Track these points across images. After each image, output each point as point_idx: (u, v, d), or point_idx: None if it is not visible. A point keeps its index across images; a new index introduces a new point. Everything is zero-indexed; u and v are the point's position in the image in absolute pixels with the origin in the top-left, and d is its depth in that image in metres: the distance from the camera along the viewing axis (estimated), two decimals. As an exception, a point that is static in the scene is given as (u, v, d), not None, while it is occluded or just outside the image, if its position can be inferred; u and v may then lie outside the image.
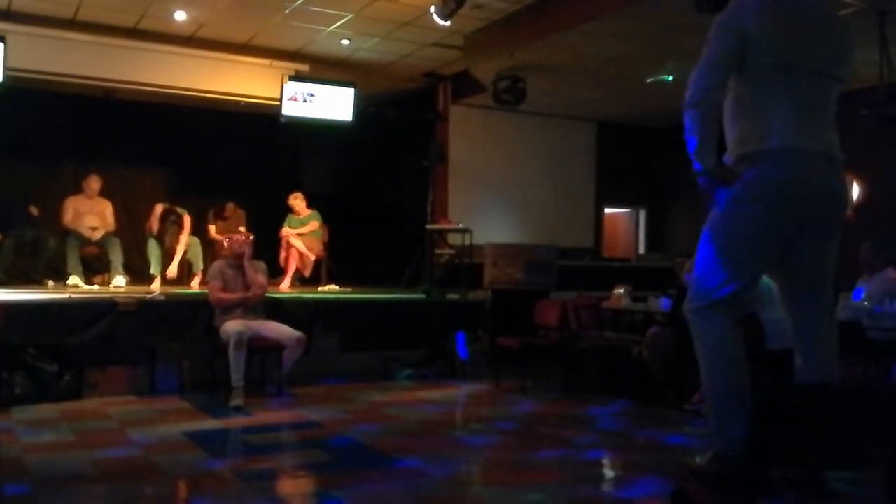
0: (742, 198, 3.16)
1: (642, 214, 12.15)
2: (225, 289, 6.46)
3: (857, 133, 7.82)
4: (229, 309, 6.39)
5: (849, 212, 8.77)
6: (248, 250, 6.65)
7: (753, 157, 3.15)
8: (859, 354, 5.18)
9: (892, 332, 5.36)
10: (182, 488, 4.19)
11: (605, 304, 7.40)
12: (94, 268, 8.30)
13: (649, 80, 8.63)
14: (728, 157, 3.26)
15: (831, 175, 3.23)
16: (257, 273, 6.61)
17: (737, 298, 3.25)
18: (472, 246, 8.88)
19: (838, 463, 2.57)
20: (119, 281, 7.91)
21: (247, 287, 6.48)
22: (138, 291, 7.32)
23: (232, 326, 6.18)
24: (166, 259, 8.25)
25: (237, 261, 6.56)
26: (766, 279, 5.62)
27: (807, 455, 2.45)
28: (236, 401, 5.94)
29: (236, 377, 6.01)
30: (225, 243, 7.04)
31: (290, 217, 8.78)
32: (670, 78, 8.28)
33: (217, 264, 6.73)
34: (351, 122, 9.12)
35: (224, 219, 8.89)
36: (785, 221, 3.18)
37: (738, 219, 3.18)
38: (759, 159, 3.13)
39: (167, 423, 5.49)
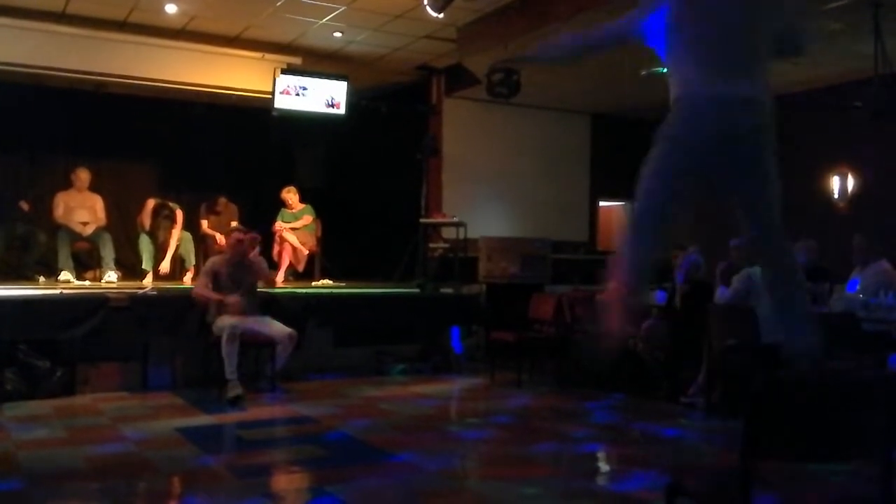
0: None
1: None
2: (215, 289, 6.40)
3: (852, 125, 7.84)
4: (226, 304, 6.33)
5: (842, 204, 8.69)
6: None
7: None
8: (854, 346, 5.19)
9: (886, 324, 5.37)
10: (175, 484, 4.17)
11: (600, 298, 7.38)
12: (86, 263, 8.24)
13: (643, 73, 8.60)
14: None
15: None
16: (261, 267, 6.62)
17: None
18: (466, 240, 8.85)
19: (832, 455, 2.56)
20: (111, 276, 7.85)
21: (241, 286, 6.44)
22: (130, 287, 7.28)
23: (226, 320, 6.16)
24: (158, 254, 8.20)
25: (236, 258, 6.51)
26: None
27: (801, 447, 2.43)
28: (235, 391, 5.93)
29: (230, 370, 6.00)
30: (226, 240, 7.00)
31: (283, 211, 8.73)
32: (665, 70, 8.25)
33: (212, 262, 6.67)
34: (344, 115, 9.07)
35: (216, 213, 8.84)
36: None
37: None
38: None
39: (160, 418, 5.47)
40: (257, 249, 6.94)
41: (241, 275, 6.47)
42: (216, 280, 6.43)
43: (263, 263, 6.75)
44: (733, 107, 2.88)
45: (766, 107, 2.90)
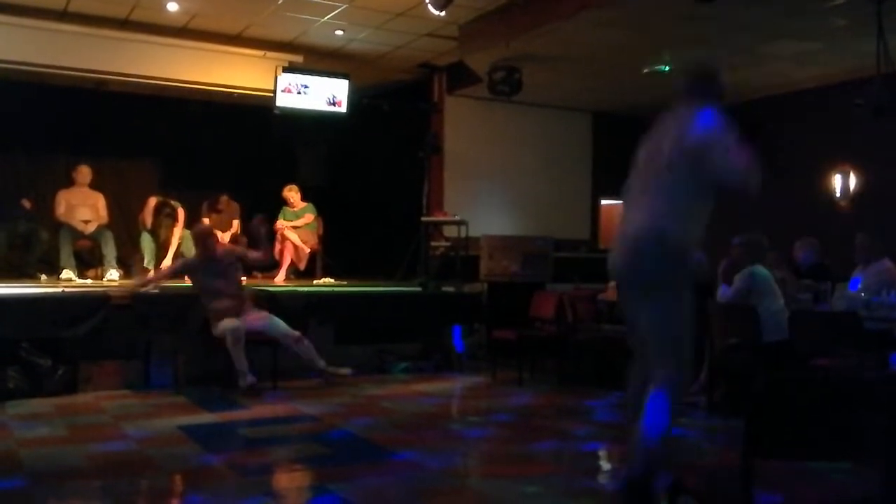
0: None
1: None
2: (209, 285, 6.46)
3: (853, 123, 7.83)
4: (220, 309, 6.36)
5: (844, 203, 8.68)
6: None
7: None
8: (856, 345, 5.18)
9: (888, 323, 5.35)
10: (178, 482, 4.17)
11: (601, 296, 7.38)
12: (88, 261, 8.25)
13: (645, 71, 8.58)
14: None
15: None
16: (234, 255, 6.78)
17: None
18: (467, 238, 8.85)
19: (833, 454, 2.56)
20: (112, 274, 7.86)
21: (229, 288, 6.49)
22: (132, 285, 7.27)
23: (225, 325, 6.20)
24: (160, 252, 8.22)
25: (209, 252, 6.56)
26: (763, 270, 5.62)
27: (802, 446, 2.43)
28: (250, 379, 6.09)
29: (240, 363, 6.10)
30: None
31: (285, 210, 8.74)
32: (667, 68, 8.23)
33: (186, 259, 6.86)
34: (345, 113, 9.07)
35: (218, 211, 8.85)
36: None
37: None
38: None
39: (162, 417, 5.47)
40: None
41: (222, 276, 6.48)
42: (206, 290, 6.46)
43: (236, 249, 6.87)
44: (621, 242, 3.35)
45: (653, 240, 3.23)
